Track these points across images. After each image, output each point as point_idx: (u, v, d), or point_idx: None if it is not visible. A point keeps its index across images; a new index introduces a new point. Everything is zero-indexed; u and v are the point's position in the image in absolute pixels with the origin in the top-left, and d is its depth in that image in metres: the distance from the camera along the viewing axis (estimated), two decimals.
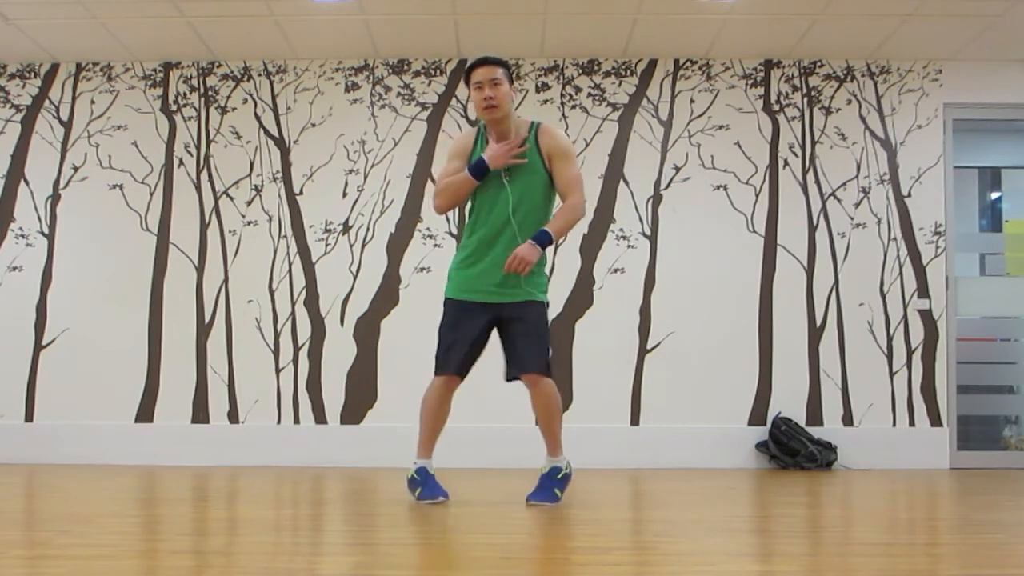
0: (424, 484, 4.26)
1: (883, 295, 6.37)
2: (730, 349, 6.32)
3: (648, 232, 6.41)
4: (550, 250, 6.32)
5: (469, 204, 4.39)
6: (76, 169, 6.50)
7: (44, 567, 2.85)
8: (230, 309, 6.39)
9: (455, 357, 4.24)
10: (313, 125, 6.50)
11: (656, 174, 6.46)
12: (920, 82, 6.48)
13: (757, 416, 6.29)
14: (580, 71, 6.52)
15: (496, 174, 4.22)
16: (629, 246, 6.39)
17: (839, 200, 6.44)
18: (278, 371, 6.34)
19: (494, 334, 4.35)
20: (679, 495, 4.74)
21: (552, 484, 4.27)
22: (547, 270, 6.32)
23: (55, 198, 6.49)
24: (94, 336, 6.36)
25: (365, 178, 6.46)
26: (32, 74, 6.57)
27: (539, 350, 4.21)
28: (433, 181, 6.38)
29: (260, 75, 6.54)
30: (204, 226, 6.45)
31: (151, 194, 6.48)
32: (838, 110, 6.49)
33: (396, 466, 5.97)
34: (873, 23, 5.96)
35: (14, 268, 6.44)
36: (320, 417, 6.30)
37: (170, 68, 6.56)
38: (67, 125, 6.53)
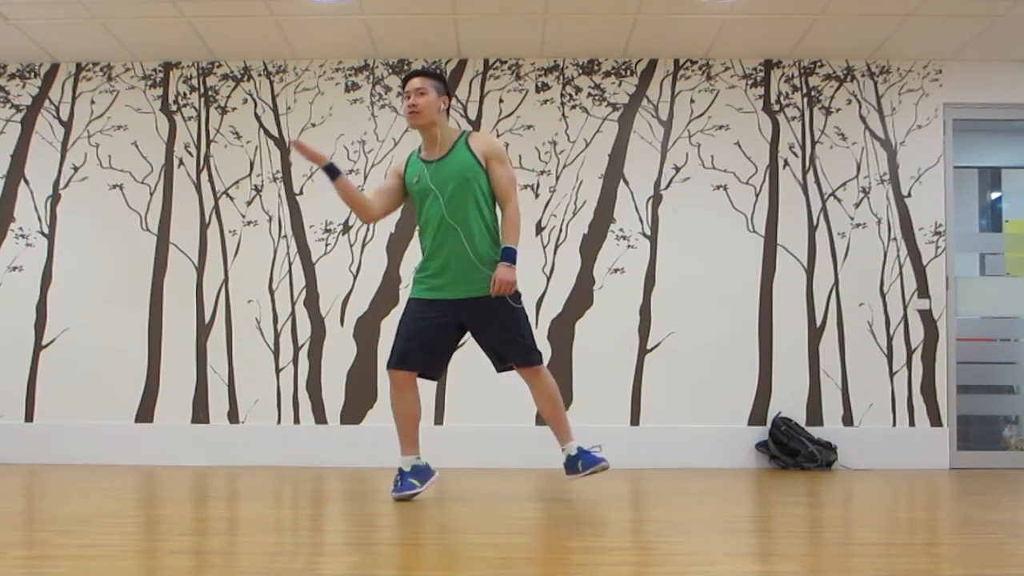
0: (413, 473, 4.40)
1: (883, 295, 6.37)
2: (730, 349, 6.32)
3: (648, 232, 6.41)
4: (549, 250, 6.35)
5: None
6: (76, 169, 6.50)
7: (44, 567, 2.85)
8: (230, 309, 6.39)
9: (406, 352, 4.37)
10: (313, 125, 6.50)
11: (656, 174, 6.46)
12: (920, 82, 6.48)
13: (757, 416, 6.29)
14: (580, 71, 6.52)
15: (426, 184, 4.36)
16: (629, 246, 6.39)
17: (839, 200, 6.44)
18: (278, 371, 6.34)
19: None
20: (679, 495, 4.74)
21: (588, 453, 4.37)
22: (545, 270, 6.34)
23: (55, 198, 6.49)
24: (94, 336, 6.36)
25: (365, 178, 6.46)
26: (32, 74, 6.57)
27: (517, 343, 4.32)
28: None
29: (260, 75, 6.54)
30: (204, 226, 6.45)
31: (151, 194, 6.48)
32: (838, 110, 6.49)
33: (396, 466, 5.98)
34: (873, 23, 5.96)
35: (14, 268, 6.44)
36: (320, 417, 6.30)
37: (170, 68, 6.56)
38: (67, 125, 6.53)
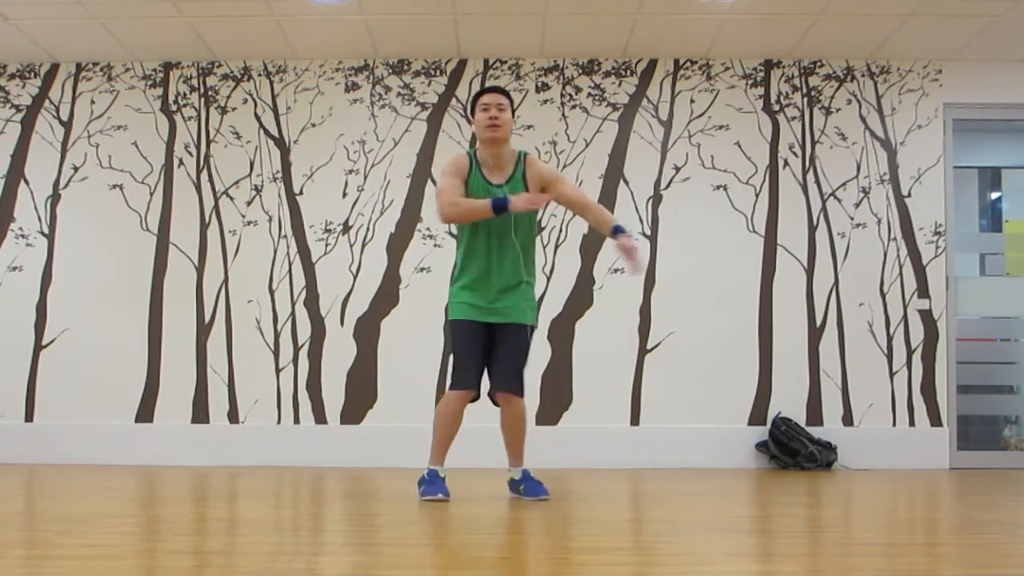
0: (430, 483, 4.38)
1: (883, 295, 6.38)
2: (730, 349, 6.32)
3: (648, 232, 6.41)
4: (549, 250, 6.35)
5: (460, 228, 4.56)
6: (76, 169, 6.50)
7: (44, 567, 2.85)
8: (230, 309, 6.39)
9: (470, 373, 4.41)
10: (313, 125, 6.50)
11: (656, 174, 6.46)
12: (920, 82, 6.49)
13: (757, 416, 6.29)
14: (580, 71, 6.52)
15: (492, 193, 4.41)
16: None
17: (839, 200, 6.44)
18: (278, 371, 6.34)
19: None
20: (679, 495, 4.74)
21: (534, 480, 4.46)
22: (547, 271, 6.34)
23: (55, 198, 6.49)
24: (94, 336, 6.36)
25: (365, 178, 6.46)
26: (32, 74, 6.57)
27: (517, 371, 4.42)
28: (434, 182, 6.40)
29: (260, 75, 6.54)
30: (204, 226, 6.45)
31: (151, 194, 6.48)
32: (838, 110, 6.49)
33: (396, 466, 5.99)
34: (873, 23, 5.96)
35: (14, 268, 6.44)
36: (320, 417, 6.30)
37: (170, 68, 6.56)
38: (67, 125, 6.53)
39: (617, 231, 4.40)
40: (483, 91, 4.53)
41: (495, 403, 4.50)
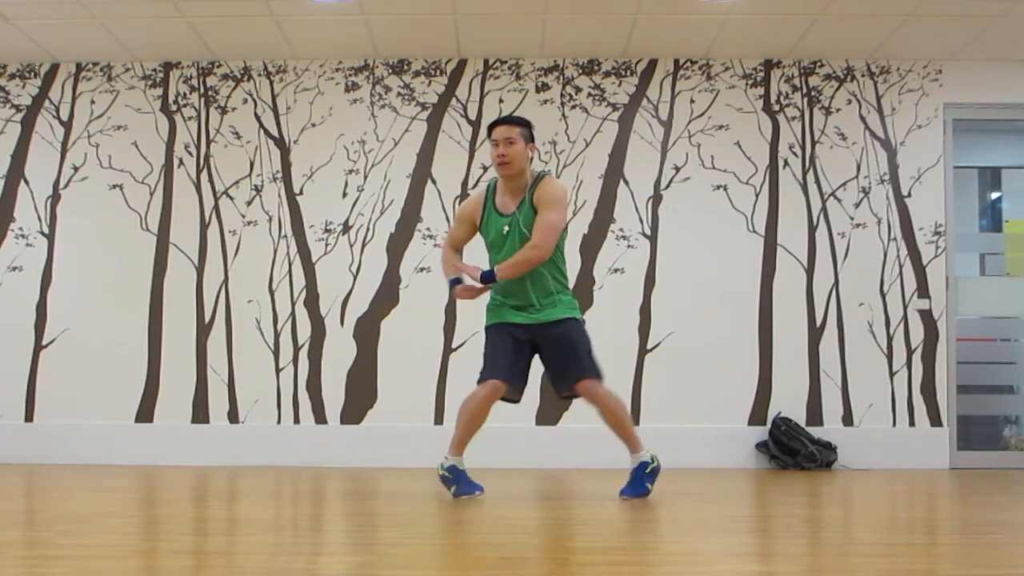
0: (458, 481, 4.37)
1: (883, 295, 6.37)
2: (730, 349, 6.32)
3: (648, 232, 6.41)
4: None
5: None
6: (76, 169, 6.50)
7: (44, 567, 2.85)
8: (230, 309, 6.39)
9: (500, 364, 4.38)
10: (313, 125, 6.50)
11: (656, 174, 6.46)
12: (920, 82, 6.48)
13: (757, 416, 6.29)
14: (580, 71, 6.52)
15: (501, 223, 4.43)
16: (629, 246, 6.39)
17: (839, 200, 6.44)
18: (278, 371, 6.34)
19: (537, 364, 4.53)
20: (679, 495, 4.74)
21: (643, 478, 4.39)
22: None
23: (55, 198, 6.49)
24: (94, 336, 6.36)
25: (365, 178, 6.46)
26: (32, 74, 6.57)
27: (584, 360, 4.39)
28: (434, 182, 6.42)
29: (260, 75, 6.54)
30: (204, 226, 6.45)
31: (151, 194, 6.48)
32: (838, 110, 6.49)
33: (396, 466, 6.00)
34: (873, 23, 5.96)
35: (14, 268, 6.44)
36: (320, 417, 6.30)
37: (170, 68, 6.56)
38: (67, 125, 6.53)
39: (483, 277, 4.37)
40: (493, 124, 4.47)
41: (566, 396, 4.51)
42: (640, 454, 4.40)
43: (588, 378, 4.36)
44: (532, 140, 4.48)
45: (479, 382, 4.38)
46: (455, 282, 4.50)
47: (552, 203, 4.34)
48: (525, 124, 4.48)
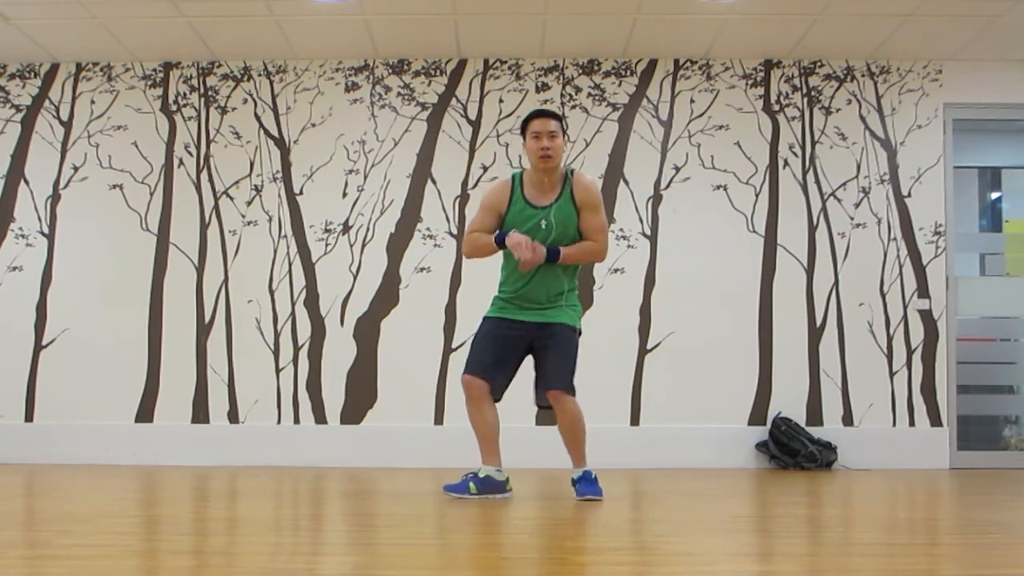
0: (487, 483, 4.41)
1: (883, 295, 6.37)
2: (730, 349, 6.32)
3: (648, 232, 6.41)
4: None
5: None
6: (76, 169, 6.50)
7: (44, 567, 2.85)
8: (230, 309, 6.39)
9: (482, 362, 4.41)
10: (313, 125, 6.50)
11: (656, 174, 6.46)
12: (920, 82, 6.48)
13: (757, 416, 6.29)
14: (580, 71, 6.51)
15: (535, 216, 4.41)
16: (629, 246, 6.39)
17: (839, 200, 6.44)
18: (278, 371, 6.34)
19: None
20: (679, 495, 4.74)
21: (592, 481, 4.44)
22: None
23: (55, 198, 6.49)
24: (94, 336, 6.35)
25: (365, 178, 6.46)
26: (32, 74, 6.57)
27: (564, 370, 4.43)
28: (434, 181, 6.41)
29: (260, 75, 6.54)
30: (204, 226, 6.45)
31: (151, 194, 6.48)
32: (838, 110, 6.49)
33: (396, 466, 6.00)
34: (873, 23, 5.96)
35: (14, 268, 6.44)
36: (320, 417, 6.30)
37: (170, 68, 6.56)
38: (67, 125, 6.53)
39: (549, 252, 4.35)
40: (533, 115, 4.46)
41: (543, 406, 4.53)
42: (585, 468, 4.47)
43: (564, 391, 4.42)
44: (566, 133, 4.54)
45: (463, 373, 4.45)
46: (503, 237, 4.35)
47: (600, 205, 4.47)
48: (562, 118, 4.52)
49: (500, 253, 4.50)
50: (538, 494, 4.85)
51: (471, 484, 4.39)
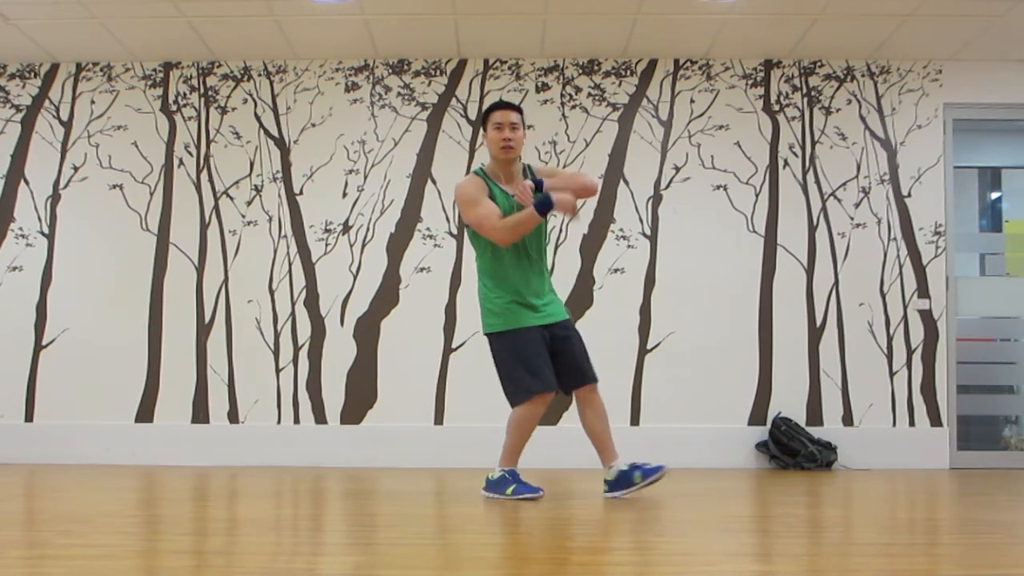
0: (517, 482, 4.43)
1: (883, 295, 6.37)
2: (730, 349, 6.32)
3: (648, 232, 6.41)
4: (550, 249, 6.34)
5: (481, 247, 4.53)
6: (76, 169, 6.50)
7: (44, 567, 2.85)
8: (230, 309, 6.39)
9: (547, 376, 4.41)
10: (313, 125, 6.50)
11: (656, 174, 6.46)
12: (920, 82, 6.48)
13: (757, 416, 6.29)
14: (580, 71, 6.52)
15: (512, 204, 4.43)
16: (629, 246, 6.39)
17: (839, 200, 6.44)
18: (278, 371, 6.34)
19: None
20: (679, 495, 4.74)
21: (641, 464, 4.52)
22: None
23: (55, 198, 6.49)
24: (94, 336, 6.36)
25: (365, 178, 6.46)
26: (32, 74, 6.57)
27: (590, 361, 4.52)
28: (434, 181, 6.42)
29: (260, 75, 6.54)
30: (204, 226, 6.45)
31: (151, 194, 6.48)
32: (838, 110, 6.49)
33: (396, 466, 6.00)
34: (873, 23, 5.96)
35: (14, 268, 6.44)
36: (320, 417, 6.30)
37: (170, 68, 6.56)
38: (67, 125, 6.53)
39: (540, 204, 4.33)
40: (495, 107, 4.51)
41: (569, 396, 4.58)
42: (618, 461, 4.50)
43: (594, 382, 4.49)
44: (526, 126, 4.63)
45: (530, 392, 4.36)
46: (546, 202, 4.29)
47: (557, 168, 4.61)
48: (522, 111, 4.56)
49: (474, 259, 4.56)
50: None
51: (511, 487, 4.40)
